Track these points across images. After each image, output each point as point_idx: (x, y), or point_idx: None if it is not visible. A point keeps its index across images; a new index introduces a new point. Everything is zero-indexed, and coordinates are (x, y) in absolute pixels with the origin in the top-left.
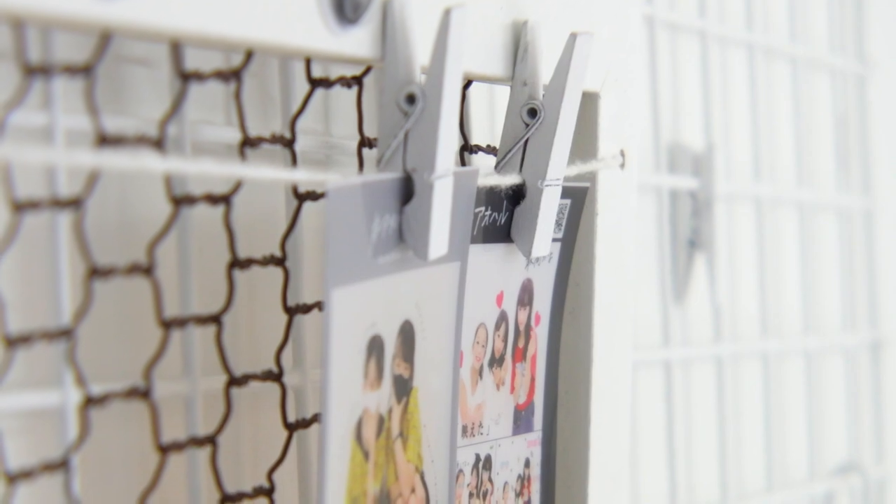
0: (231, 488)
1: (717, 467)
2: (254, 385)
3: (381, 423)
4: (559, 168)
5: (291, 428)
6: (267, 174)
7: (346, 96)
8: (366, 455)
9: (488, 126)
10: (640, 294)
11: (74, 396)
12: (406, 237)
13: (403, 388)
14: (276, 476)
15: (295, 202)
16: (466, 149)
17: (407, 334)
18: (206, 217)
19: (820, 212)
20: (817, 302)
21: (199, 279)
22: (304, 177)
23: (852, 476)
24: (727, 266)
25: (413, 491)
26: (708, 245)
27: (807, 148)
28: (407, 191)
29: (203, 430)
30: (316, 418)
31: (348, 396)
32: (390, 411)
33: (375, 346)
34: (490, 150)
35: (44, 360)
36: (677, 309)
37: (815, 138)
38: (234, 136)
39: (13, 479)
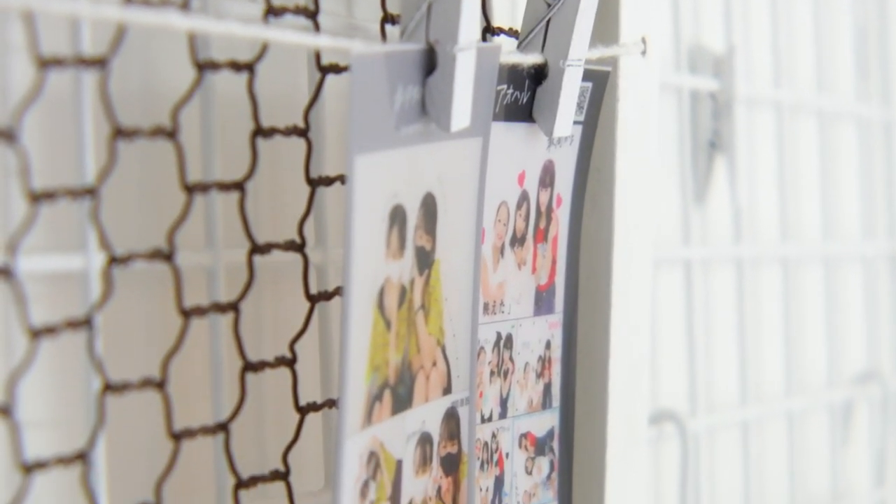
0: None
1: (737, 369)
2: (275, 260)
3: (403, 293)
4: (581, 48)
5: (313, 299)
6: (291, 38)
7: None
8: (388, 324)
9: (509, 12)
10: (661, 194)
11: (97, 260)
12: (429, 109)
13: (425, 260)
14: (297, 349)
15: (317, 76)
16: (488, 30)
17: (429, 206)
18: (227, 94)
19: (839, 120)
20: (836, 210)
21: (221, 157)
22: (328, 43)
23: (871, 385)
24: (747, 169)
25: (434, 364)
26: (728, 147)
27: (827, 56)
28: (430, 63)
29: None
30: (338, 291)
31: (370, 264)
32: (412, 283)
33: (398, 216)
34: (512, 32)
35: (66, 226)
36: (697, 210)
37: (835, 47)
38: (257, 9)
39: (37, 334)
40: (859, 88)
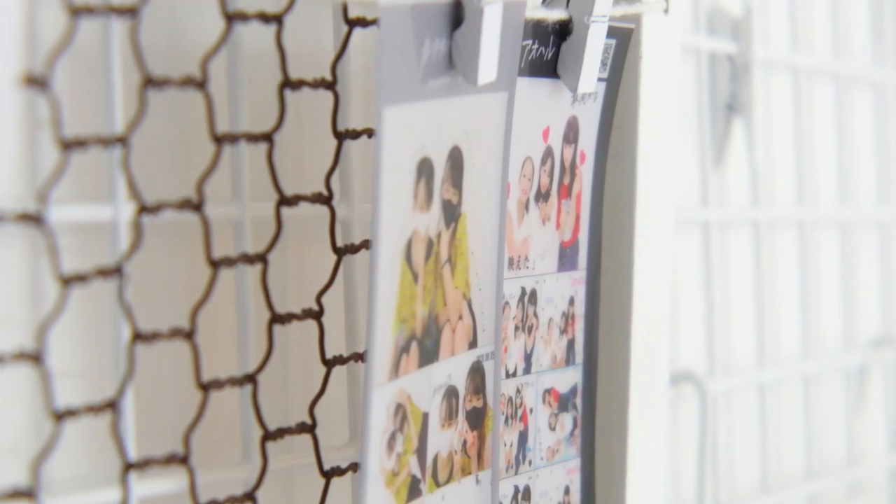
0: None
1: (754, 331)
2: (298, 214)
3: (430, 246)
4: (605, 4)
5: (340, 252)
6: None
7: None
8: (415, 277)
9: None
10: (679, 156)
11: (126, 210)
12: (456, 62)
13: (452, 213)
14: (323, 302)
15: (342, 31)
16: None
17: (456, 160)
18: (253, 49)
19: (855, 85)
20: (852, 174)
21: (247, 111)
22: None
23: (886, 349)
24: (764, 132)
25: (461, 318)
26: (746, 110)
27: (843, 21)
28: (457, 16)
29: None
30: (364, 244)
31: (398, 216)
32: (439, 236)
33: (425, 169)
34: None
35: (95, 177)
36: (715, 172)
37: (851, 12)
38: None
39: (67, 282)
40: (875, 53)
